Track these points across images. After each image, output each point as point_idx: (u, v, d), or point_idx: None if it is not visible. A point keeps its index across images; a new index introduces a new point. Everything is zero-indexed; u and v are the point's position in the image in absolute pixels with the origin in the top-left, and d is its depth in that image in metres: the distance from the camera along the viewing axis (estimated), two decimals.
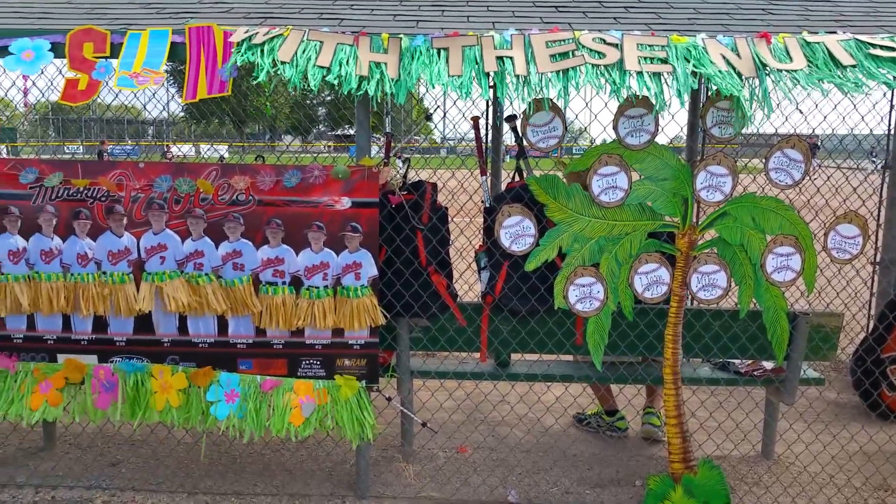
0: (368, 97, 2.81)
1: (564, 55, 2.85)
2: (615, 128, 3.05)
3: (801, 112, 3.15)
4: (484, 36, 2.94)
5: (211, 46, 2.94)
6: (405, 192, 3.36)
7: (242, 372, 3.22)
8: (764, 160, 3.06)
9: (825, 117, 3.27)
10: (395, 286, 3.27)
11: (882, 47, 2.92)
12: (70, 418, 3.27)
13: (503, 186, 3.81)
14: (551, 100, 2.84)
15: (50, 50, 2.98)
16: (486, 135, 3.74)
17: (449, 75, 2.79)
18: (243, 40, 2.90)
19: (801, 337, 3.29)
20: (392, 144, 3.53)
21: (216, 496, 3.36)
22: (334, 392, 3.19)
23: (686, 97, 2.76)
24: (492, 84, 2.81)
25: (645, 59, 2.82)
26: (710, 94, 3.01)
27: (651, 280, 3.14)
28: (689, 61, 2.81)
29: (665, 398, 3.24)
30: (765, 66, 2.82)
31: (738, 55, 2.86)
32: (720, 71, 2.77)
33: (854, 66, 2.84)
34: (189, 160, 14.58)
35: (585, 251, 3.14)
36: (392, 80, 2.79)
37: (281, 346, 3.21)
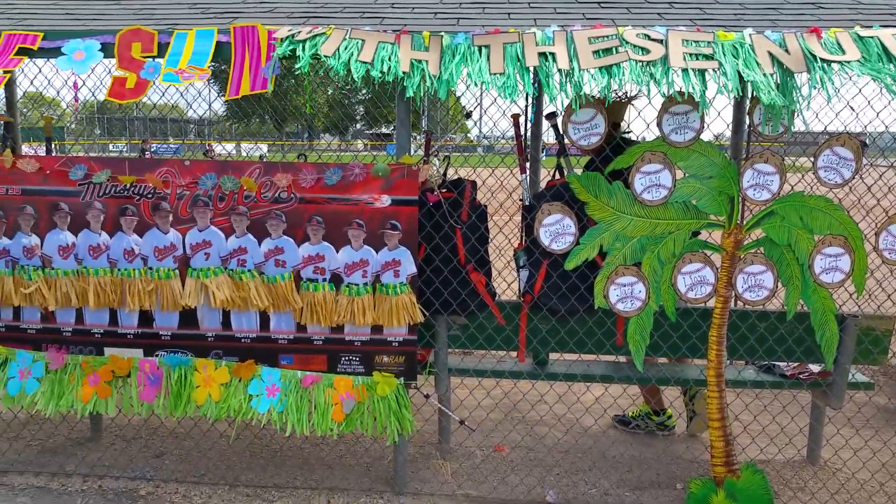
0: (408, 96, 2.81)
1: (608, 51, 2.82)
2: (659, 125, 3.00)
3: (852, 109, 3.06)
4: (525, 33, 2.92)
5: (255, 45, 2.98)
6: (445, 190, 3.36)
7: (283, 367, 3.26)
8: (812, 158, 2.98)
9: (878, 114, 3.16)
10: (433, 284, 3.27)
11: None
12: (116, 410, 3.35)
13: (543, 184, 3.79)
14: (593, 96, 2.80)
15: (100, 50, 3.05)
16: (526, 132, 3.72)
17: (490, 73, 2.77)
18: (286, 37, 2.94)
19: (850, 340, 3.21)
20: (431, 143, 3.53)
21: (257, 488, 3.41)
22: (373, 389, 3.21)
23: (732, 97, 2.70)
24: (534, 80, 2.79)
25: (690, 55, 2.76)
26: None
27: (695, 280, 3.08)
28: (736, 58, 2.75)
29: (708, 401, 3.18)
30: (815, 58, 2.74)
31: (786, 51, 2.78)
32: (766, 76, 2.69)
33: None
34: (232, 158, 14.82)
35: (627, 250, 3.10)
36: (434, 76, 2.79)
37: (321, 343, 3.24)
